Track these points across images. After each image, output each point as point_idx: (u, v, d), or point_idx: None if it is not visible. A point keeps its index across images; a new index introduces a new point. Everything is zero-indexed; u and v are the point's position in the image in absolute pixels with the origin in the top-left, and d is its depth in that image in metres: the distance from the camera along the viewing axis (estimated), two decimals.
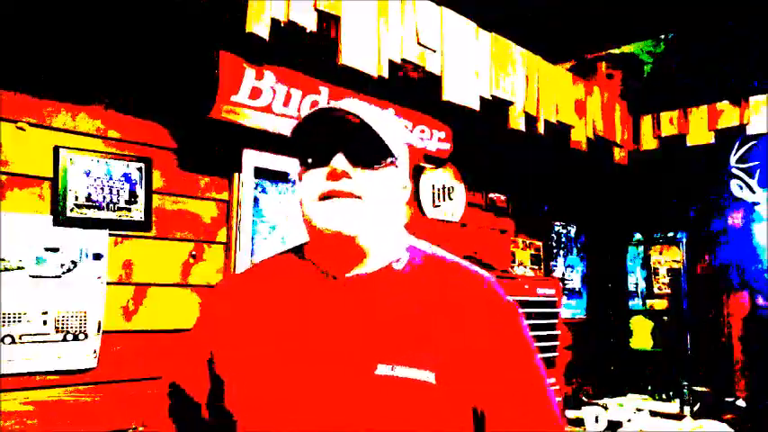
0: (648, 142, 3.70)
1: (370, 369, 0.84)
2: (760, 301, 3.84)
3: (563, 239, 4.35)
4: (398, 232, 1.00)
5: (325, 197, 0.89)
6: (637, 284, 4.48)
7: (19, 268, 1.90)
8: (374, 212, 0.91)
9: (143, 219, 2.19)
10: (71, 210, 2.02)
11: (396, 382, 0.83)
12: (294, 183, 2.74)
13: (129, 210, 2.16)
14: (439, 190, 3.45)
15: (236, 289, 1.02)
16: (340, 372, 0.85)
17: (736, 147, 3.89)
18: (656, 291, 4.37)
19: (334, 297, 0.91)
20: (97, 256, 2.07)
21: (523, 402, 0.90)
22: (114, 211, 2.12)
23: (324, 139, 0.90)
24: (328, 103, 0.94)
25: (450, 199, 3.50)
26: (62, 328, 1.98)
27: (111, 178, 2.11)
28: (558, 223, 4.30)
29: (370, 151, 0.91)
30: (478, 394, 0.87)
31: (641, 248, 4.48)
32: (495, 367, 0.89)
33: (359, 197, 0.89)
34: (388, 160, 0.93)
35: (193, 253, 2.34)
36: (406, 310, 0.89)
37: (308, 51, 2.39)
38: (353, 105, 0.91)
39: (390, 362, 0.84)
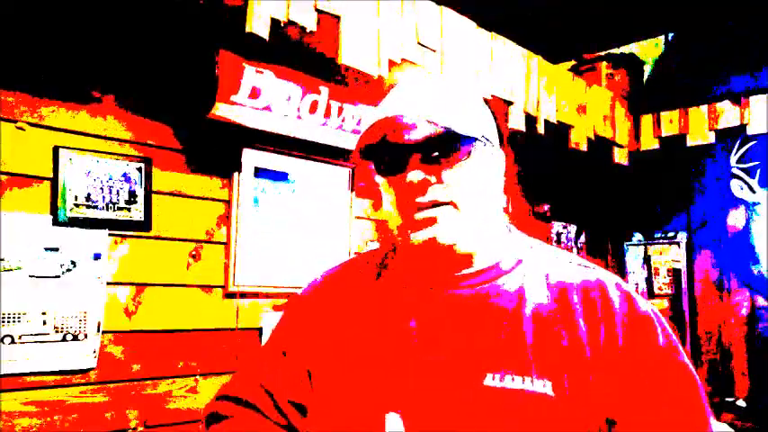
0: (648, 142, 3.69)
1: (478, 380, 0.76)
2: (760, 301, 3.84)
3: (563, 239, 4.34)
4: (500, 228, 0.91)
5: (411, 211, 0.81)
6: (637, 284, 4.48)
7: (18, 268, 1.90)
8: (469, 214, 0.82)
9: (143, 219, 2.19)
10: (71, 210, 2.02)
11: (505, 393, 0.75)
12: (293, 181, 2.74)
13: (129, 209, 2.15)
14: None
15: (331, 293, 0.95)
16: (444, 384, 0.77)
17: (736, 147, 3.89)
18: (656, 291, 4.37)
19: (435, 306, 0.84)
20: (97, 256, 2.07)
21: (668, 408, 0.77)
22: (114, 210, 2.12)
23: (393, 148, 0.82)
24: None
25: None
26: (62, 328, 1.98)
27: (110, 178, 2.11)
28: (558, 223, 4.30)
29: (449, 145, 0.81)
30: (610, 404, 0.76)
31: (641, 248, 4.47)
32: (632, 374, 0.77)
33: (448, 203, 0.80)
34: (472, 145, 0.82)
35: (193, 253, 2.34)
36: (514, 316, 0.81)
37: (309, 50, 2.39)
38: (408, 102, 0.82)
39: (498, 371, 0.76)
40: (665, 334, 0.80)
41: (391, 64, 2.26)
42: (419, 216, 0.81)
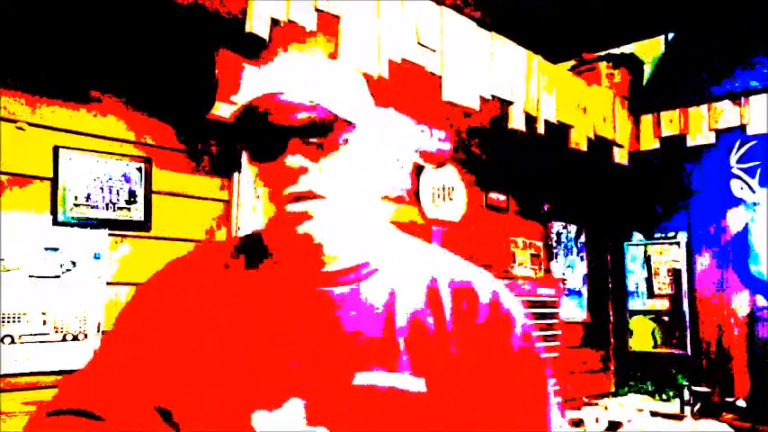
0: (648, 142, 3.69)
1: (347, 380, 0.74)
2: (760, 301, 3.84)
3: (563, 239, 4.34)
4: (375, 221, 0.86)
5: (285, 200, 0.75)
6: (637, 284, 4.48)
7: (18, 268, 1.90)
8: (345, 207, 0.78)
9: (142, 219, 2.19)
10: (70, 209, 2.02)
11: (376, 392, 0.74)
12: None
13: (129, 209, 2.15)
14: (439, 190, 3.44)
15: (186, 283, 0.85)
16: (314, 386, 0.74)
17: (736, 147, 3.89)
18: (656, 291, 4.37)
19: (303, 303, 0.79)
20: (97, 256, 2.07)
21: (516, 418, 0.79)
22: (114, 210, 2.12)
23: (272, 129, 0.75)
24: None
25: (451, 199, 3.50)
26: (61, 328, 1.98)
27: (110, 178, 2.11)
28: (558, 223, 4.30)
29: (331, 130, 0.75)
30: (469, 397, 0.78)
31: (641, 248, 4.47)
32: (486, 370, 0.79)
33: (322, 196, 0.75)
34: (353, 131, 0.77)
35: None
36: (385, 313, 0.78)
37: (308, 50, 2.39)
38: (290, 79, 0.76)
39: (369, 369, 0.74)
40: (524, 333, 0.82)
41: (391, 64, 2.26)
42: (293, 208, 0.75)
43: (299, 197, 0.75)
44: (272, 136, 0.75)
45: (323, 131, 0.75)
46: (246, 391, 0.75)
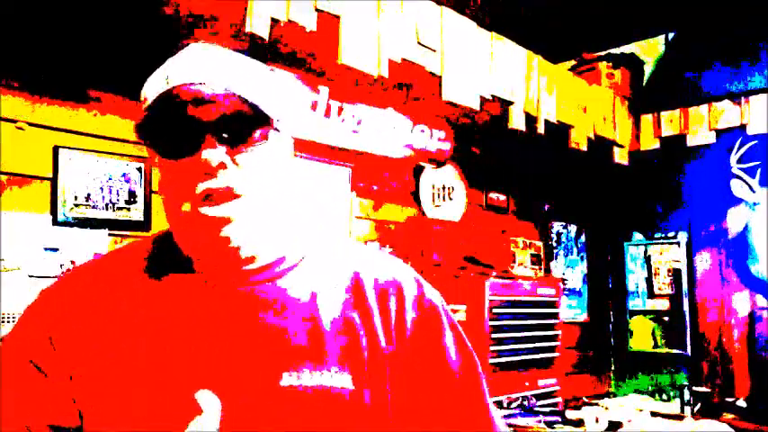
0: (649, 142, 3.69)
1: (274, 381, 0.70)
2: (760, 301, 3.84)
3: (563, 239, 4.34)
4: (291, 219, 0.83)
5: (199, 199, 0.71)
6: (637, 284, 4.48)
7: (18, 268, 1.90)
8: (263, 206, 0.74)
9: (142, 218, 2.18)
10: (70, 209, 2.02)
11: (304, 391, 0.70)
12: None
13: (129, 209, 2.15)
14: (439, 190, 3.44)
15: (93, 288, 0.78)
16: (240, 390, 0.70)
17: (736, 147, 3.89)
18: (656, 291, 4.37)
19: (223, 303, 0.75)
20: (96, 256, 2.07)
21: (452, 409, 0.78)
22: (114, 210, 2.12)
23: (184, 123, 0.70)
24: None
25: (451, 199, 3.50)
26: None
27: (110, 178, 2.11)
28: (558, 223, 4.30)
29: (249, 125, 0.72)
30: (399, 396, 0.76)
31: (641, 248, 4.47)
32: (417, 366, 0.77)
33: (238, 195, 0.71)
34: (271, 127, 0.74)
35: None
36: (308, 310, 0.76)
37: (309, 50, 2.39)
38: (207, 69, 0.72)
39: (296, 368, 0.71)
40: (452, 326, 0.82)
41: (391, 64, 2.26)
42: (210, 211, 0.70)
43: (213, 195, 0.70)
44: (188, 130, 0.70)
45: (241, 127, 0.71)
46: (167, 402, 0.70)
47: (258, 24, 1.84)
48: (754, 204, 3.88)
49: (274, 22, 1.88)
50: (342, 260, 0.83)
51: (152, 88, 0.74)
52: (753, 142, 3.79)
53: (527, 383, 3.29)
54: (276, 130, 0.75)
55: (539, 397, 3.19)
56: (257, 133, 0.73)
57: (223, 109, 0.70)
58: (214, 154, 0.69)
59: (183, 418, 0.69)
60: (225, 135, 0.71)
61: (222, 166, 0.70)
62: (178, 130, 0.71)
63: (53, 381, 0.73)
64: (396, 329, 0.77)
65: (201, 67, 0.72)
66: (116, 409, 0.70)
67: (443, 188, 3.47)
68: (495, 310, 3.18)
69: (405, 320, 0.78)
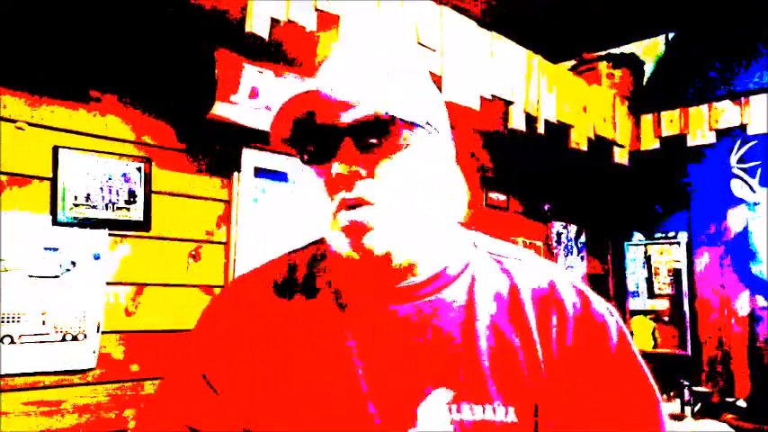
0: (649, 142, 3.69)
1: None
2: (760, 301, 3.84)
3: (563, 239, 4.34)
4: (445, 227, 0.77)
5: (336, 209, 0.69)
6: (637, 284, 4.48)
7: (18, 268, 1.90)
8: (405, 215, 0.69)
9: (142, 218, 2.18)
10: (70, 209, 2.02)
11: (465, 427, 0.65)
12: (293, 181, 2.74)
13: (129, 209, 2.15)
14: None
15: (253, 303, 0.78)
16: (395, 421, 0.66)
17: (736, 146, 3.89)
18: (656, 291, 4.37)
19: (376, 326, 0.71)
20: (96, 257, 2.07)
21: (622, 422, 0.71)
22: (113, 210, 2.12)
23: (321, 131, 0.68)
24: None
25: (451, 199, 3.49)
26: (61, 328, 1.97)
27: (110, 178, 2.11)
28: (558, 223, 4.30)
29: (387, 130, 0.67)
30: (567, 422, 0.69)
31: (641, 248, 4.47)
32: (585, 388, 0.70)
33: (379, 203, 0.68)
34: (414, 132, 0.69)
35: (193, 253, 2.34)
36: (466, 333, 0.70)
37: (309, 49, 2.39)
38: (350, 72, 0.69)
39: (455, 401, 0.66)
40: (621, 339, 0.74)
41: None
42: (344, 218, 0.68)
43: (349, 204, 0.68)
44: (321, 138, 0.68)
45: (379, 132, 0.67)
46: (319, 428, 0.68)
47: (258, 24, 1.84)
48: (755, 204, 3.88)
49: (274, 21, 1.88)
50: (494, 267, 0.76)
51: (289, 95, 0.71)
52: (753, 142, 3.79)
53: None
54: (424, 130, 0.71)
55: None
56: (398, 139, 0.68)
57: (356, 115, 0.66)
58: (343, 166, 0.67)
59: None
60: (361, 141, 0.67)
61: (356, 175, 0.67)
62: (312, 136, 0.69)
63: (223, 400, 0.73)
64: (558, 349, 0.70)
65: (337, 74, 0.70)
66: (276, 426, 0.70)
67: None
68: None
69: (567, 336, 0.71)
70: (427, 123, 0.71)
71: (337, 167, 0.66)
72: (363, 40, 0.76)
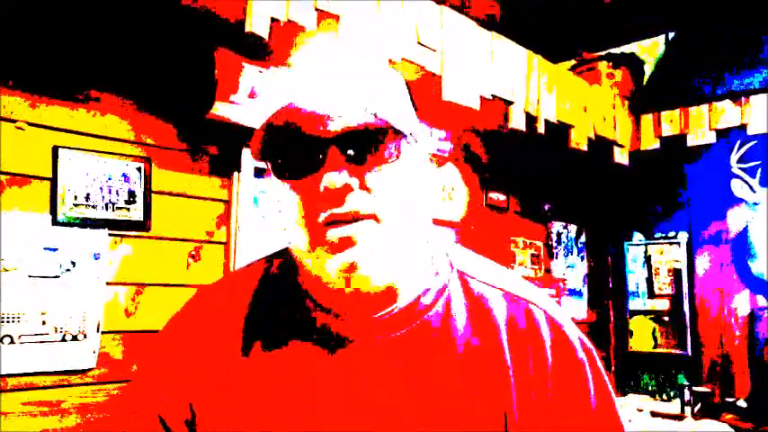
0: (649, 142, 3.69)
1: None
2: (760, 301, 3.84)
3: (563, 239, 4.34)
4: (427, 245, 0.73)
5: (326, 224, 0.63)
6: (637, 284, 4.48)
7: (17, 268, 1.90)
8: (396, 230, 0.65)
9: (142, 218, 2.18)
10: (70, 209, 2.01)
11: None
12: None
13: (129, 209, 2.15)
14: (440, 190, 3.44)
15: (215, 319, 0.74)
16: None
17: (736, 146, 3.89)
18: (656, 291, 4.37)
19: (352, 361, 0.67)
20: (96, 256, 2.07)
21: None
22: (113, 210, 2.12)
23: (305, 141, 0.62)
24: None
25: (451, 199, 3.50)
26: (61, 328, 1.97)
27: (110, 178, 2.11)
28: (558, 223, 4.30)
29: (377, 140, 0.63)
30: None
31: (641, 248, 4.47)
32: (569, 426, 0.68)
33: (370, 216, 0.63)
34: (402, 141, 0.65)
35: (193, 253, 2.34)
36: (446, 367, 0.67)
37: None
38: (339, 76, 0.64)
39: None
40: (599, 387, 0.72)
41: (391, 63, 2.26)
42: (334, 234, 0.62)
43: (339, 220, 0.62)
44: (304, 149, 0.62)
45: (368, 142, 0.62)
46: None
47: (258, 24, 1.84)
48: (755, 204, 3.88)
49: (274, 21, 1.88)
50: (469, 292, 0.72)
51: (270, 101, 0.65)
52: (753, 142, 3.79)
53: None
54: (408, 141, 0.66)
55: None
56: (389, 149, 0.64)
57: (347, 124, 0.61)
58: (337, 177, 0.61)
59: None
60: (350, 152, 0.62)
61: (348, 188, 0.61)
62: (296, 148, 0.63)
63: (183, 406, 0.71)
64: (536, 396, 0.68)
65: (324, 80, 0.64)
66: None
67: (443, 188, 3.47)
68: None
69: (545, 386, 0.69)
70: (410, 133, 0.67)
71: (331, 178, 0.61)
72: (335, 49, 0.70)
